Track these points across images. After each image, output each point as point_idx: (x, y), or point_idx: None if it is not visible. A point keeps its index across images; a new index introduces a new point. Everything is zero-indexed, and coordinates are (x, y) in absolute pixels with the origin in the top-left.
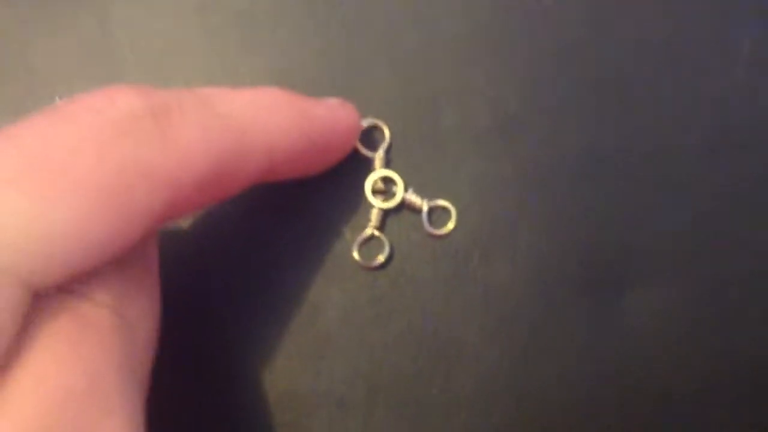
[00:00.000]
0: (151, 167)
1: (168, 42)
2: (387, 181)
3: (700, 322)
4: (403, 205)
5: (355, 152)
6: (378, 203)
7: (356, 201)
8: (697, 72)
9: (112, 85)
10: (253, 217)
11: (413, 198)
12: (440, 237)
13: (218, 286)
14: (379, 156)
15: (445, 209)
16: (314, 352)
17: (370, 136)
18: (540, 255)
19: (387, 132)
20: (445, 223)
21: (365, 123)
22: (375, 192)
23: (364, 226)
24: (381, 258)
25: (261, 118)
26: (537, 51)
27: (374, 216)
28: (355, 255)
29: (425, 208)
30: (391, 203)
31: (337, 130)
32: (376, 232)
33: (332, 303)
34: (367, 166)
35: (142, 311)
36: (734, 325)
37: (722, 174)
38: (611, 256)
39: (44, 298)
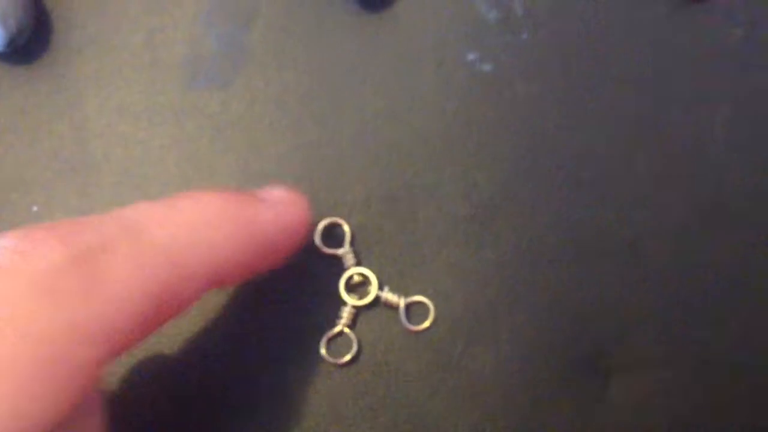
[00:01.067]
0: (77, 327)
1: (143, 149)
2: (363, 278)
3: (688, 408)
4: (379, 302)
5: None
6: (351, 301)
7: (332, 299)
8: (670, 152)
9: (34, 228)
10: (225, 319)
11: (389, 296)
12: (419, 332)
13: (195, 392)
14: (346, 253)
15: (422, 304)
16: None
17: (335, 233)
18: (524, 344)
19: (347, 228)
20: (423, 319)
21: (324, 222)
22: (350, 289)
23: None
24: (348, 356)
25: (201, 240)
26: (511, 138)
27: (345, 313)
28: (323, 352)
29: (402, 305)
30: (365, 301)
31: (286, 231)
32: (346, 329)
33: (316, 401)
34: (340, 264)
35: None
36: (721, 411)
37: (701, 254)
38: (595, 342)
39: None
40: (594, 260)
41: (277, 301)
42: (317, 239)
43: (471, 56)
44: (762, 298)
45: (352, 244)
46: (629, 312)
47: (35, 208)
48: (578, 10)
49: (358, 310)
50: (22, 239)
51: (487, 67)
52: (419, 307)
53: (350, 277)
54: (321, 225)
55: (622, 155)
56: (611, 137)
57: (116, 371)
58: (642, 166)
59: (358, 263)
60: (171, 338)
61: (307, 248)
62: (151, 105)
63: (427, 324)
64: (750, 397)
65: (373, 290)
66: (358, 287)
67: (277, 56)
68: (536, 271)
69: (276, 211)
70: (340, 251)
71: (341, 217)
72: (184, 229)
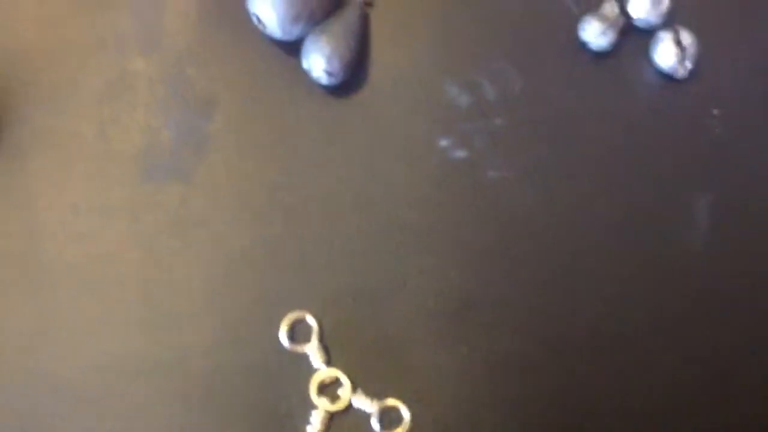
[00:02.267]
0: None
1: (99, 247)
2: (334, 381)
3: None
4: (351, 407)
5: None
6: (323, 405)
7: (302, 402)
8: (649, 239)
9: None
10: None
11: (362, 400)
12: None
13: None
14: (315, 350)
15: (397, 408)
16: None
17: (302, 329)
18: None
19: (315, 323)
20: (399, 423)
21: (290, 318)
22: (321, 390)
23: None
24: None
25: None
26: (484, 225)
27: (318, 419)
28: None
29: (376, 410)
30: (339, 406)
31: None
32: None
33: None
34: (309, 364)
35: None
36: None
37: (692, 347)
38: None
39: None
40: (576, 355)
41: (246, 406)
42: (283, 337)
43: (443, 142)
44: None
45: (320, 339)
46: (609, 411)
47: None
48: (551, 94)
49: (331, 415)
50: None
51: (460, 153)
52: (395, 411)
53: (321, 380)
54: (286, 321)
55: (598, 244)
56: (586, 224)
57: None
58: (619, 258)
59: (329, 361)
60: None
61: (273, 347)
62: (107, 200)
63: (404, 429)
64: None
65: (346, 394)
66: (329, 388)
67: (239, 145)
68: (515, 368)
69: None
70: (307, 348)
71: (309, 312)
72: None
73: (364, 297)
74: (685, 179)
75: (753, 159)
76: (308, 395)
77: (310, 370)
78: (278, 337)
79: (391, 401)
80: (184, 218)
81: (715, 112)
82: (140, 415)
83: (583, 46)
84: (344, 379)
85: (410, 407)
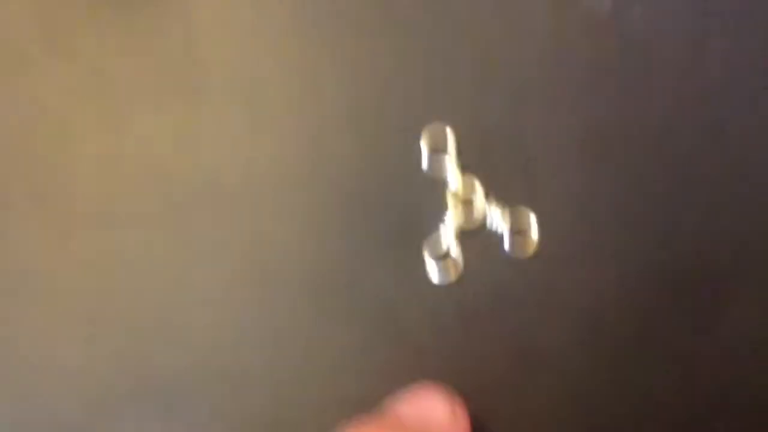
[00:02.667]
0: None
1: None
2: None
3: None
4: (483, 219)
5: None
6: (458, 220)
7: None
8: None
9: None
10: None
11: (497, 217)
12: (523, 255)
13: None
14: (450, 160)
15: (526, 226)
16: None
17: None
18: (633, 270)
19: (450, 133)
20: (527, 241)
21: (431, 129)
22: (458, 202)
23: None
24: (453, 276)
25: None
26: (624, 74)
27: (452, 231)
28: (429, 270)
29: (507, 228)
30: (473, 224)
31: None
32: (452, 250)
33: (419, 317)
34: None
35: None
36: None
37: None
38: (708, 271)
39: None
40: (709, 188)
41: (381, 212)
42: (423, 147)
43: None
44: None
45: (458, 151)
46: (745, 243)
47: None
48: None
49: (466, 229)
50: None
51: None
52: (524, 231)
53: (458, 193)
54: (427, 131)
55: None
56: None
57: None
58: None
59: (464, 170)
60: None
61: (412, 158)
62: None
63: (532, 250)
64: None
65: (481, 210)
66: (465, 202)
67: None
68: (650, 198)
69: None
70: (444, 157)
71: (448, 123)
72: None
73: (505, 118)
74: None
75: None
76: (443, 207)
77: (446, 182)
78: (416, 147)
79: (524, 222)
80: (334, 25)
81: None
82: (290, 216)
83: None
84: (479, 193)
85: (541, 226)
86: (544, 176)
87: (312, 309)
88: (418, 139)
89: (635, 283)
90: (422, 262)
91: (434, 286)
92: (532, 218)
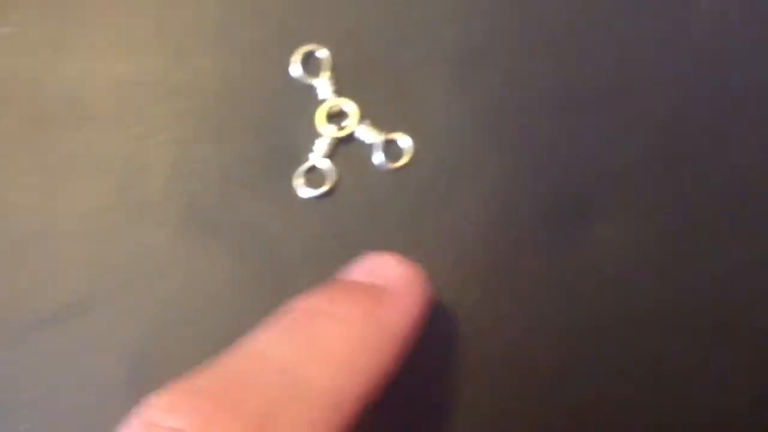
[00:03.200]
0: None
1: None
2: (340, 112)
3: (668, 256)
4: (355, 137)
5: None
6: (329, 132)
7: (308, 130)
8: (659, 3)
9: (188, 395)
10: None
11: (368, 129)
12: (397, 170)
13: None
14: (324, 82)
15: (402, 141)
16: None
17: (314, 61)
18: (507, 186)
19: (327, 55)
20: (401, 156)
21: (303, 49)
22: (327, 120)
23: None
24: (325, 187)
25: (357, 372)
26: None
27: (322, 146)
28: (297, 183)
29: (381, 140)
30: (343, 133)
31: (416, 325)
32: (321, 161)
33: (293, 238)
34: (318, 97)
35: None
36: (698, 262)
37: (690, 106)
38: (579, 186)
39: None
40: (579, 109)
41: (251, 131)
42: (295, 68)
43: None
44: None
45: (332, 72)
46: (614, 159)
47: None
48: None
49: (335, 143)
50: (193, 421)
51: None
52: (399, 145)
53: (329, 108)
54: (299, 52)
55: (612, 13)
56: None
57: None
58: (632, 18)
59: (338, 94)
60: None
61: (285, 79)
62: None
63: (405, 160)
64: (726, 247)
65: (352, 124)
66: (336, 118)
67: None
68: (524, 116)
69: (405, 309)
70: (317, 80)
71: (323, 45)
72: (339, 369)
73: (380, 37)
74: None
75: None
76: (314, 124)
77: (319, 102)
78: (290, 69)
79: (396, 134)
80: None
81: None
82: (154, 134)
83: None
84: (351, 109)
85: (416, 142)
86: (419, 98)
87: (180, 229)
88: (289, 58)
89: (505, 202)
90: (291, 180)
91: (304, 201)
92: (406, 138)
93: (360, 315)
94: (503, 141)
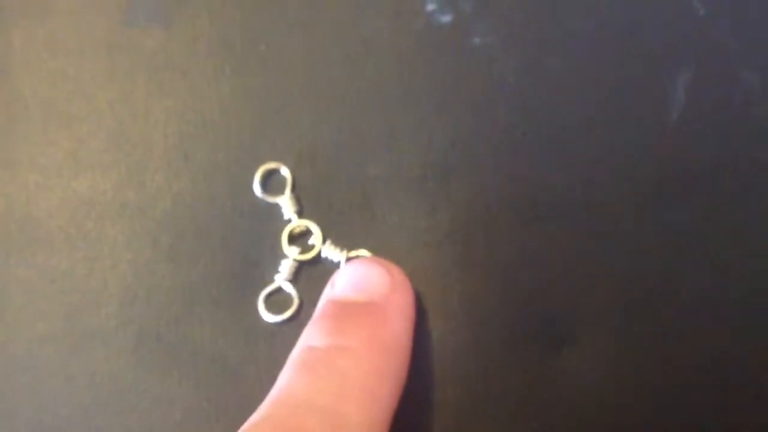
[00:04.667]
0: None
1: (73, 85)
2: (305, 232)
3: (636, 375)
4: (320, 258)
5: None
6: (293, 254)
7: (272, 252)
8: (631, 119)
9: None
10: (155, 270)
11: (332, 250)
12: None
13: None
14: (287, 201)
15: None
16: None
17: (276, 180)
18: (476, 312)
19: (288, 174)
20: None
21: (264, 168)
22: (292, 241)
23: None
24: (288, 313)
25: (383, 397)
26: (469, 90)
27: (286, 268)
28: (261, 309)
29: (344, 261)
30: (308, 255)
31: (410, 321)
32: (285, 285)
33: (253, 360)
34: (281, 216)
35: None
36: (674, 381)
37: (660, 223)
38: (547, 312)
39: None
40: (548, 227)
41: (216, 253)
42: (256, 186)
43: (430, 6)
44: (716, 266)
45: (293, 191)
46: (581, 282)
47: None
48: None
49: (300, 265)
50: None
51: (445, 17)
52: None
53: (292, 230)
54: (260, 171)
55: (580, 112)
56: (571, 91)
57: None
58: (600, 126)
59: (300, 213)
60: None
61: (246, 198)
62: (84, 40)
63: None
64: (701, 363)
65: (317, 244)
66: (300, 239)
67: None
68: (490, 238)
69: (401, 316)
70: (279, 199)
71: (285, 164)
72: (366, 401)
73: (342, 153)
74: (667, 56)
75: (731, 41)
76: (279, 245)
77: (282, 222)
78: (252, 188)
79: (362, 251)
80: (162, 64)
81: None
82: (108, 256)
83: None
84: (315, 230)
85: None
86: (382, 215)
87: (135, 357)
88: (252, 179)
89: (473, 325)
90: (254, 304)
91: (268, 325)
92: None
93: (367, 341)
94: (469, 260)
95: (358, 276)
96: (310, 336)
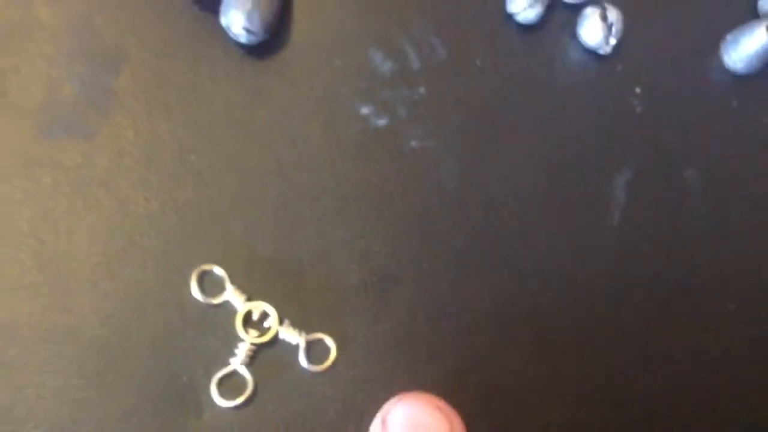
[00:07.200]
0: None
1: None
2: (262, 315)
3: None
4: (277, 340)
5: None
6: (249, 338)
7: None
8: (572, 223)
9: None
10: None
11: (289, 331)
12: (320, 373)
13: None
14: (231, 294)
15: (323, 343)
16: None
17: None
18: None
19: (222, 271)
20: (325, 359)
21: (197, 271)
22: (246, 325)
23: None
24: (242, 398)
25: None
26: (406, 194)
27: (241, 351)
28: (213, 393)
29: (302, 343)
30: (265, 338)
31: None
32: (240, 368)
33: None
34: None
35: None
36: None
37: (602, 328)
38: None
39: None
40: (490, 326)
41: (149, 375)
42: (194, 291)
43: (365, 110)
44: (659, 367)
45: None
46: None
47: None
48: (475, 66)
49: (256, 348)
50: None
51: (382, 121)
52: (321, 347)
53: (246, 313)
54: (195, 274)
55: (519, 214)
56: (508, 194)
57: None
58: (544, 232)
59: (249, 299)
60: None
61: (182, 311)
62: (1, 156)
63: (329, 362)
64: None
65: (274, 325)
66: (257, 323)
67: (148, 103)
68: (436, 339)
69: None
70: (223, 295)
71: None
72: None
73: (280, 268)
74: (606, 155)
75: (670, 139)
76: (233, 332)
77: (230, 316)
78: (189, 298)
79: (319, 335)
80: (86, 178)
81: (638, 90)
82: (31, 385)
83: (509, 18)
84: (271, 311)
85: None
86: (335, 298)
87: None
88: (187, 289)
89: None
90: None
91: (223, 410)
92: (328, 339)
93: None
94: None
95: (415, 421)
96: None
